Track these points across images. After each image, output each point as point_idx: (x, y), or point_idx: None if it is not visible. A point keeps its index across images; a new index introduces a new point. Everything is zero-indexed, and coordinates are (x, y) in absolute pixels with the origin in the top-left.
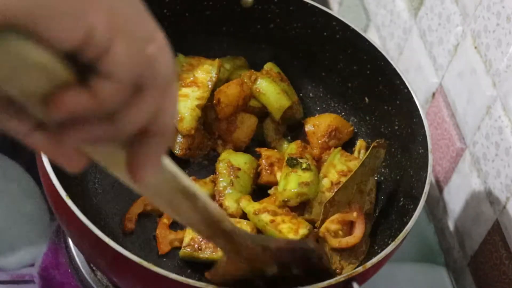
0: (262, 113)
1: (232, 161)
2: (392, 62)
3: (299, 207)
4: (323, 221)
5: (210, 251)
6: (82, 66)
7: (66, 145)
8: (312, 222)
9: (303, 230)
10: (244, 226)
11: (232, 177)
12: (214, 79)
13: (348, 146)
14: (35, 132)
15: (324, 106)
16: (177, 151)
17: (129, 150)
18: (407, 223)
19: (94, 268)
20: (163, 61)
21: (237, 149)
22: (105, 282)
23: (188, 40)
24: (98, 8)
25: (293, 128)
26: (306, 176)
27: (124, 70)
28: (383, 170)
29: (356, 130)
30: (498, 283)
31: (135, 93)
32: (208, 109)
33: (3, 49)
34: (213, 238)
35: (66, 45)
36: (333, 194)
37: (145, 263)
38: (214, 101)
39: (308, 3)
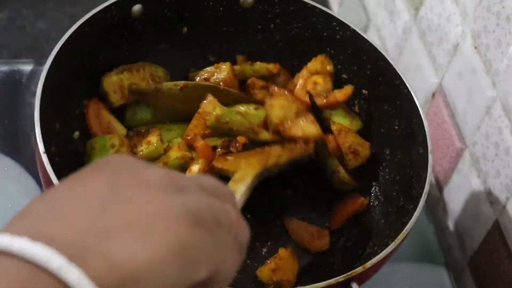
0: None
1: None
2: (392, 62)
3: None
4: None
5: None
6: None
7: None
8: None
9: None
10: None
11: None
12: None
13: None
14: None
15: None
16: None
17: None
18: (407, 223)
19: None
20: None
21: None
22: None
23: (189, 40)
24: (201, 265)
25: None
26: None
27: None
28: (383, 171)
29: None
30: (498, 283)
31: None
32: None
33: None
34: None
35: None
36: None
37: None
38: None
39: (308, 3)
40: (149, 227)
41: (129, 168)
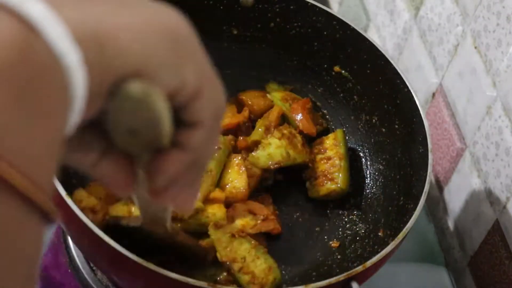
0: None
1: None
2: (392, 62)
3: None
4: None
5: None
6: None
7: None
8: None
9: None
10: None
11: None
12: None
13: None
14: (101, 163)
15: (324, 105)
16: None
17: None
18: (407, 222)
19: (94, 268)
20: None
21: None
22: (105, 282)
23: None
24: (189, 62)
25: None
26: None
27: (208, 114)
28: (383, 170)
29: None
30: (498, 283)
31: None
32: None
33: (144, 99)
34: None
35: (165, 91)
36: None
37: (144, 262)
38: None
39: (308, 2)
40: (146, 10)
41: None
